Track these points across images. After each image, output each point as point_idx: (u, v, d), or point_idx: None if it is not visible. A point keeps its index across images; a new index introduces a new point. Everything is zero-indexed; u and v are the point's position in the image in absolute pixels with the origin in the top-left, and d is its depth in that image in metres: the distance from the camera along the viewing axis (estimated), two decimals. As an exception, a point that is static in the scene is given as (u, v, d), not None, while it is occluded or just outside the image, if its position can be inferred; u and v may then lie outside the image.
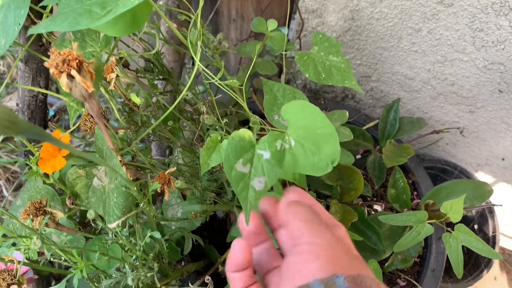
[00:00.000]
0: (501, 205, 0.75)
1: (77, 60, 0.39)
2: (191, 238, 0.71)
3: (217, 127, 0.69)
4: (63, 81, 0.39)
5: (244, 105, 0.60)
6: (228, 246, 0.84)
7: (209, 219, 0.97)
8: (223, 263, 0.82)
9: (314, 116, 0.53)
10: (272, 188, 0.72)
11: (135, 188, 0.47)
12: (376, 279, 0.34)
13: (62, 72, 0.39)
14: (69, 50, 0.39)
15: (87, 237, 0.66)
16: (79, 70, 0.40)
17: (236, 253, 0.40)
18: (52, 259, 0.53)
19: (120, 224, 0.48)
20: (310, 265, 0.34)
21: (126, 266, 0.48)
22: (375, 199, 0.90)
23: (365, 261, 0.71)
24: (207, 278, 0.53)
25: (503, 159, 1.10)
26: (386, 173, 0.87)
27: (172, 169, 0.63)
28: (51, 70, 0.39)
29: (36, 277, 0.76)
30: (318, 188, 0.83)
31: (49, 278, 0.89)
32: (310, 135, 0.53)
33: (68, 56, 0.39)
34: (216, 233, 0.95)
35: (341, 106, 1.07)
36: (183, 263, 0.81)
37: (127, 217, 0.47)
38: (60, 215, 0.57)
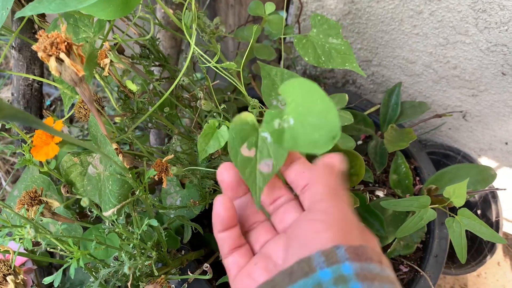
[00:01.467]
0: (504, 189, 0.74)
1: (65, 43, 0.38)
2: (191, 226, 0.70)
3: (215, 113, 0.68)
4: (52, 64, 0.38)
5: (242, 89, 0.59)
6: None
7: (209, 207, 0.96)
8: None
9: (312, 92, 0.51)
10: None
11: (130, 175, 0.46)
12: (377, 250, 0.33)
13: (50, 55, 0.37)
14: (57, 33, 0.37)
15: (85, 227, 0.65)
16: (68, 53, 0.38)
17: (219, 210, 0.39)
18: (52, 250, 0.52)
19: (115, 212, 0.47)
20: (321, 236, 0.33)
21: (123, 255, 0.47)
22: (377, 185, 0.89)
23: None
24: (206, 266, 0.52)
25: (506, 143, 1.09)
26: (388, 158, 0.86)
27: (170, 156, 0.62)
28: (39, 54, 0.37)
29: (35, 267, 0.75)
30: (319, 174, 0.82)
31: (50, 269, 0.88)
32: (309, 112, 0.51)
33: (56, 38, 0.37)
34: (216, 221, 0.94)
35: (342, 92, 1.05)
36: (183, 252, 0.80)
37: (123, 205, 0.46)
38: (56, 205, 0.56)
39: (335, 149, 0.70)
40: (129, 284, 0.51)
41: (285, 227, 0.41)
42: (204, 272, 0.60)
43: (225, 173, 0.44)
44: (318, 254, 0.30)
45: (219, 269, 0.81)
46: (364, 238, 0.34)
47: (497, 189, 0.75)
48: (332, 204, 0.36)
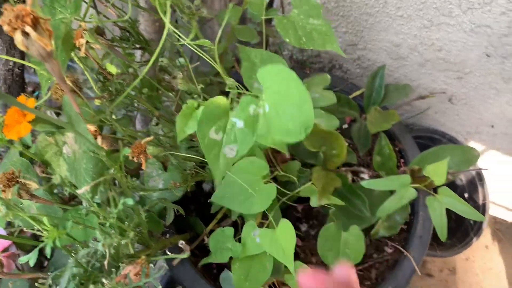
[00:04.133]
0: (487, 169, 0.74)
1: (31, 16, 0.37)
2: (173, 208, 0.70)
3: (195, 95, 0.67)
4: (17, 38, 0.37)
5: (220, 69, 0.58)
6: (213, 217, 0.83)
7: (195, 192, 0.96)
8: (209, 234, 0.82)
9: (289, 81, 0.51)
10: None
11: (104, 153, 0.46)
12: None
13: (16, 28, 0.37)
14: (22, 6, 0.37)
15: (66, 209, 0.65)
16: (35, 27, 0.38)
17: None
18: (37, 233, 0.52)
19: (90, 191, 0.47)
20: None
21: (97, 233, 0.47)
22: (362, 167, 0.89)
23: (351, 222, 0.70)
24: (181, 243, 0.52)
25: (492, 126, 1.09)
26: (371, 140, 0.86)
27: (149, 138, 0.62)
28: (4, 28, 0.37)
29: (18, 252, 0.75)
30: (303, 157, 0.82)
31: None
32: (285, 101, 0.51)
33: (21, 12, 0.37)
34: (203, 206, 0.94)
35: (328, 76, 1.05)
36: (167, 235, 0.80)
37: (97, 183, 0.46)
38: (35, 186, 0.56)
39: (316, 130, 0.70)
40: (105, 262, 0.51)
41: None
42: (180, 249, 0.60)
43: (306, 281, 0.44)
44: None
45: (204, 252, 0.81)
46: None
47: (480, 169, 0.76)
48: None
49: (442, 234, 0.65)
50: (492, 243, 1.47)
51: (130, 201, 0.49)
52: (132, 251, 0.52)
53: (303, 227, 0.89)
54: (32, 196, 0.57)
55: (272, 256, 0.67)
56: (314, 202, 0.67)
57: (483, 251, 1.45)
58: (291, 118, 0.51)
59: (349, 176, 0.74)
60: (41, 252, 0.90)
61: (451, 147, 0.83)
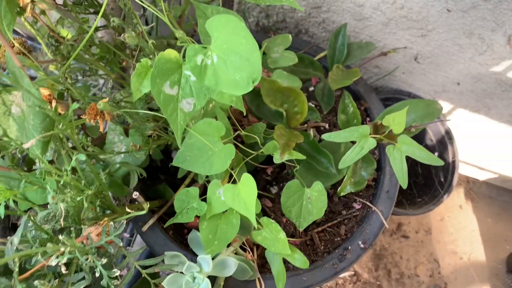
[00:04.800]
0: (449, 120, 0.75)
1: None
2: (136, 172, 0.70)
3: (150, 56, 0.66)
4: None
5: (167, 21, 0.57)
6: (180, 183, 0.83)
7: (165, 162, 0.96)
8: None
9: (238, 31, 0.51)
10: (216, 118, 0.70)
11: (50, 107, 0.45)
12: None
13: None
14: None
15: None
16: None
17: None
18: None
19: (39, 147, 0.46)
20: None
21: (49, 187, 0.46)
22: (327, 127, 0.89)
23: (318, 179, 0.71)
24: (135, 194, 0.52)
25: (458, 84, 1.10)
26: (335, 99, 0.87)
27: (105, 100, 0.61)
28: None
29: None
30: (268, 118, 0.83)
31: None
32: (233, 51, 0.51)
33: None
34: (173, 176, 0.94)
35: (294, 41, 1.04)
36: (136, 203, 0.80)
37: (44, 136, 0.45)
38: (-13, 152, 0.55)
39: (277, 87, 0.70)
40: (61, 220, 0.50)
41: None
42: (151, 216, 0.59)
43: None
44: None
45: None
46: None
47: (441, 120, 0.76)
48: None
49: (403, 181, 0.66)
50: (466, 202, 1.50)
51: (82, 157, 0.49)
52: (93, 215, 0.52)
53: (274, 190, 0.89)
54: (-15, 161, 0.56)
55: (238, 212, 0.68)
56: (276, 158, 0.67)
57: (457, 211, 1.49)
58: (238, 68, 0.50)
59: (312, 132, 0.74)
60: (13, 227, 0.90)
61: (414, 101, 0.84)
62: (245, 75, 0.50)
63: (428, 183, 1.20)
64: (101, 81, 1.00)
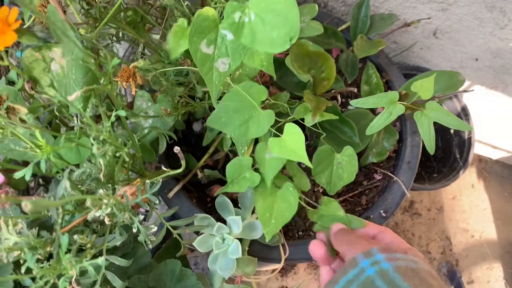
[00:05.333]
0: (472, 90, 0.75)
1: None
2: (165, 137, 0.70)
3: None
4: None
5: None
6: (205, 150, 0.84)
7: (186, 134, 0.96)
8: (201, 169, 0.83)
9: None
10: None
11: (93, 61, 0.45)
12: (403, 247, 0.52)
13: None
14: None
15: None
16: None
17: (315, 248, 0.58)
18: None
19: (81, 100, 0.47)
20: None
21: (91, 139, 0.47)
22: (349, 99, 0.90)
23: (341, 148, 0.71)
24: (176, 148, 0.52)
25: (476, 60, 1.10)
26: (358, 71, 0.87)
27: (136, 62, 0.62)
28: None
29: (11, 190, 0.75)
30: (291, 89, 0.83)
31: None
32: (270, 9, 0.51)
33: None
34: (194, 147, 0.95)
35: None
36: (162, 168, 0.81)
37: (88, 90, 0.45)
38: (24, 111, 0.55)
39: (304, 51, 0.70)
40: (101, 175, 0.51)
41: None
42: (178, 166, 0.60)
43: (316, 249, 0.59)
44: (360, 255, 0.46)
45: (199, 187, 0.82)
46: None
47: (465, 91, 0.77)
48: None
49: (431, 147, 0.66)
50: (478, 181, 1.51)
51: (122, 113, 0.49)
52: (125, 177, 0.52)
53: (294, 162, 0.90)
54: (22, 121, 0.57)
55: (295, 191, 0.66)
56: (308, 121, 0.67)
57: (469, 190, 1.50)
58: (276, 26, 0.51)
59: (339, 98, 0.75)
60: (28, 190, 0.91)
61: (436, 72, 0.84)
62: (283, 32, 0.50)
63: (446, 157, 1.21)
64: (121, 50, 1.00)
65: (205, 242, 0.64)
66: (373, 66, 0.85)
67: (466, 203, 1.48)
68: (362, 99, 0.67)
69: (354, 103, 0.68)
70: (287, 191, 0.67)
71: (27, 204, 0.32)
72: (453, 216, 1.46)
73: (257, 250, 0.74)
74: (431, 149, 0.66)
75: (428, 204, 1.45)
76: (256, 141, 0.72)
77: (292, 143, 0.60)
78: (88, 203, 0.47)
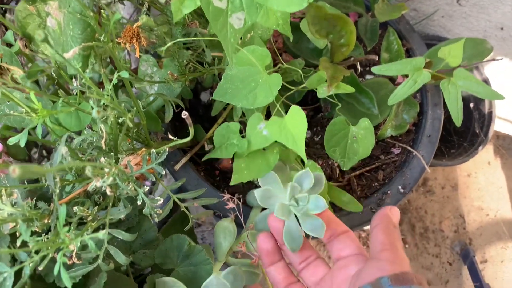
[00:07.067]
0: (501, 59, 0.70)
1: None
2: (172, 105, 0.66)
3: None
4: None
5: None
6: (214, 121, 0.80)
7: (194, 104, 0.92)
8: (209, 140, 0.78)
9: None
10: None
11: (92, 14, 0.41)
12: (417, 274, 0.40)
13: None
14: None
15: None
16: None
17: (263, 241, 0.50)
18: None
19: (79, 59, 0.42)
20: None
21: (91, 103, 0.43)
22: (366, 68, 0.84)
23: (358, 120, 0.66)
24: (184, 114, 0.48)
25: (502, 29, 1.04)
26: (378, 37, 0.81)
27: (140, 22, 0.57)
28: None
29: (10, 160, 0.72)
30: (306, 56, 0.78)
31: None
32: (288, -39, 0.46)
33: None
34: (201, 118, 0.90)
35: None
36: (168, 138, 0.77)
37: (85, 46, 0.41)
38: (19, 72, 0.51)
39: (322, 14, 0.65)
40: (103, 142, 0.47)
41: (317, 280, 0.49)
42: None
43: (265, 241, 0.51)
44: (367, 286, 0.38)
45: (207, 160, 0.79)
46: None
47: (493, 59, 0.71)
48: (393, 253, 0.42)
49: (458, 119, 0.62)
50: (494, 159, 1.46)
51: (125, 74, 0.45)
52: (128, 146, 0.48)
53: (307, 134, 0.86)
54: (18, 84, 0.53)
55: (278, 153, 0.63)
56: (321, 92, 0.63)
57: (485, 167, 1.45)
58: (292, -17, 0.46)
59: (358, 67, 0.70)
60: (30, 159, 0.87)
61: (462, 39, 0.78)
62: (299, -11, 0.45)
63: (466, 132, 1.16)
64: (125, 15, 0.95)
65: (269, 197, 0.56)
66: (394, 32, 0.79)
67: (482, 181, 1.43)
68: (385, 65, 0.62)
69: (376, 70, 0.63)
70: (270, 154, 0.64)
71: (15, 169, 0.27)
72: (467, 194, 1.41)
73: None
74: (458, 121, 0.62)
75: (442, 182, 1.41)
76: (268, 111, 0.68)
77: (293, 127, 0.56)
78: (88, 171, 0.43)
